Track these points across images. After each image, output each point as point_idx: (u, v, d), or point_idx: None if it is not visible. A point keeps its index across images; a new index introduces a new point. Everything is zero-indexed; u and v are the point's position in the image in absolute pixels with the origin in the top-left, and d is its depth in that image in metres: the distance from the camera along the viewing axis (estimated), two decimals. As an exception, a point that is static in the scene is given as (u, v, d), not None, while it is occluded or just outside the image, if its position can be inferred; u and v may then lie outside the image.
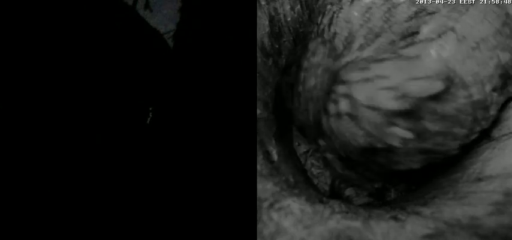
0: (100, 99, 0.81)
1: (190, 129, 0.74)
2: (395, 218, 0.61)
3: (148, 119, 0.86)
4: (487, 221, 0.57)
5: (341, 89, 0.60)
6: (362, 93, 0.59)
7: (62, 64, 0.79)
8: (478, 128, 0.63)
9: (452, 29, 0.59)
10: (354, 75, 0.59)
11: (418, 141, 0.61)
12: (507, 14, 0.63)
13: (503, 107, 0.66)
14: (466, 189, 0.62)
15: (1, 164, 0.76)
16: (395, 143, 0.61)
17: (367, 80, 0.58)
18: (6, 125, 0.77)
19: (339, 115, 0.61)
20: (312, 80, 0.63)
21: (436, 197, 0.63)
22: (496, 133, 0.66)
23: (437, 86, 0.58)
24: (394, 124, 0.59)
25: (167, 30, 0.91)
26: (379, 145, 0.62)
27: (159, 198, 0.73)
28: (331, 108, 0.61)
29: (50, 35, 0.79)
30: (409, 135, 0.60)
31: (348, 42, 0.62)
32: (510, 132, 0.65)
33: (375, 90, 0.58)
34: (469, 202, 0.60)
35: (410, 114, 0.58)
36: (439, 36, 0.59)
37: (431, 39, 0.59)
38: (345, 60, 0.61)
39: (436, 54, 0.58)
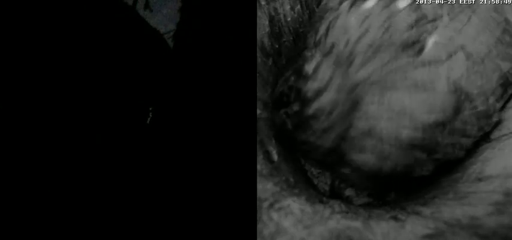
0: (100, 99, 0.81)
1: (190, 129, 0.74)
2: (395, 218, 0.61)
3: (148, 119, 0.86)
4: (487, 221, 0.57)
5: (362, 124, 0.60)
6: (386, 132, 0.59)
7: (62, 64, 0.79)
8: (480, 133, 0.64)
9: (462, 48, 0.59)
10: (372, 110, 0.59)
11: (430, 156, 0.63)
12: (506, 20, 0.64)
13: (502, 108, 0.66)
14: (466, 189, 0.62)
15: (1, 164, 0.76)
16: (411, 162, 0.63)
17: (389, 118, 0.59)
18: (6, 125, 0.77)
19: (364, 150, 0.61)
20: (326, 104, 0.60)
21: (436, 197, 0.63)
22: (496, 133, 0.66)
23: (449, 114, 0.59)
24: (413, 150, 0.61)
25: (167, 30, 0.91)
26: (399, 169, 0.63)
27: (159, 198, 0.73)
28: (357, 142, 0.61)
29: (50, 35, 0.79)
30: (423, 156, 0.62)
31: (350, 59, 0.60)
32: (510, 132, 0.65)
33: (398, 129, 0.59)
34: (469, 202, 0.60)
35: (428, 142, 0.60)
36: (450, 56, 0.59)
37: (442, 61, 0.59)
38: (354, 80, 0.59)
39: (446, 79, 0.59)
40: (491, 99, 0.62)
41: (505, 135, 0.65)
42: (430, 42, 0.59)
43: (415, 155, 0.61)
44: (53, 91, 0.79)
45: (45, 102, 0.78)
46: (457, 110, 0.59)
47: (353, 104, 0.59)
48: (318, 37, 0.63)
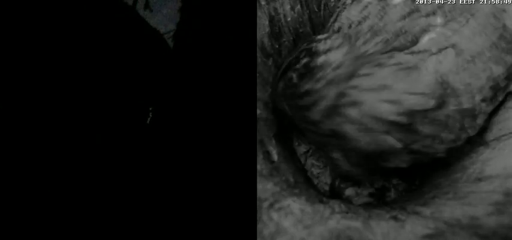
0: (100, 99, 0.81)
1: (190, 129, 0.74)
2: (395, 218, 0.61)
3: (148, 119, 0.86)
4: (487, 221, 0.57)
5: (352, 93, 0.61)
6: (368, 103, 0.61)
7: (62, 64, 0.79)
8: (464, 135, 0.64)
9: (453, 46, 0.61)
10: (362, 82, 0.61)
11: (407, 145, 0.63)
12: (504, 26, 0.64)
13: (502, 108, 0.67)
14: (466, 189, 0.62)
15: (1, 164, 0.76)
16: (386, 147, 0.63)
17: (372, 89, 0.61)
18: (6, 125, 0.77)
19: (348, 119, 0.62)
20: (334, 60, 0.63)
21: (436, 197, 0.63)
22: (496, 133, 0.66)
23: (431, 103, 0.60)
24: (389, 133, 0.62)
25: (167, 30, 0.91)
26: (375, 149, 0.64)
27: (159, 198, 0.73)
28: (344, 111, 0.62)
29: (50, 35, 0.79)
30: (399, 145, 0.63)
31: (353, 38, 0.64)
32: (510, 132, 0.65)
33: (379, 102, 0.60)
34: (469, 202, 0.60)
35: (405, 126, 0.61)
36: (439, 51, 0.61)
37: (431, 53, 0.60)
38: (358, 52, 0.63)
39: (433, 69, 0.60)
40: (478, 98, 0.62)
41: (505, 135, 0.65)
42: (426, 38, 0.61)
43: (393, 139, 0.62)
44: (53, 91, 0.79)
45: (45, 102, 0.78)
46: (442, 103, 0.60)
47: (351, 73, 0.62)
48: (327, 26, 0.70)
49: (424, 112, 0.60)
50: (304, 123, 0.67)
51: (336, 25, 0.67)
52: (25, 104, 0.78)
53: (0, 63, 0.78)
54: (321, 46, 0.64)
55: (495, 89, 0.64)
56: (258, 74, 0.73)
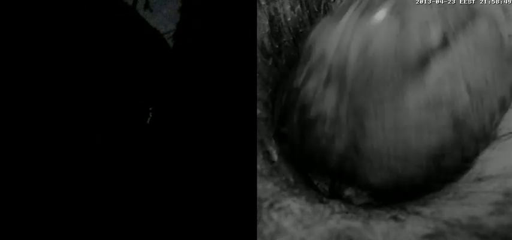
0: (100, 99, 0.81)
1: (190, 129, 0.74)
2: (395, 218, 0.61)
3: (148, 119, 0.86)
4: (487, 221, 0.57)
5: (368, 142, 0.62)
6: (392, 148, 0.62)
7: (62, 64, 0.79)
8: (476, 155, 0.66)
9: (465, 82, 0.62)
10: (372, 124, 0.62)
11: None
12: (501, 36, 0.64)
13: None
14: (466, 189, 0.62)
15: (1, 164, 0.76)
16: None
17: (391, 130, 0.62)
18: (6, 125, 0.77)
19: (368, 160, 0.63)
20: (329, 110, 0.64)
21: (436, 197, 0.63)
22: (496, 133, 0.66)
23: (448, 148, 0.63)
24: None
25: (167, 30, 0.91)
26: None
27: (159, 198, 0.73)
28: (366, 160, 0.64)
29: (50, 35, 0.79)
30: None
31: (351, 83, 0.64)
32: (510, 132, 0.65)
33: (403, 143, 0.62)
34: (469, 202, 0.60)
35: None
36: (453, 92, 0.61)
37: (445, 97, 0.61)
38: (357, 103, 0.62)
39: (449, 115, 0.62)
40: (488, 127, 0.64)
41: (505, 135, 0.65)
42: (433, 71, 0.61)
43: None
44: (53, 91, 0.79)
45: (45, 102, 0.78)
46: (457, 144, 0.62)
47: (358, 120, 0.62)
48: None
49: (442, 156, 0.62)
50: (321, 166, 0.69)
51: (327, 63, 0.66)
52: (25, 104, 0.78)
53: (0, 63, 0.78)
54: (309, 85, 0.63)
55: (503, 105, 0.65)
56: (258, 74, 0.73)
